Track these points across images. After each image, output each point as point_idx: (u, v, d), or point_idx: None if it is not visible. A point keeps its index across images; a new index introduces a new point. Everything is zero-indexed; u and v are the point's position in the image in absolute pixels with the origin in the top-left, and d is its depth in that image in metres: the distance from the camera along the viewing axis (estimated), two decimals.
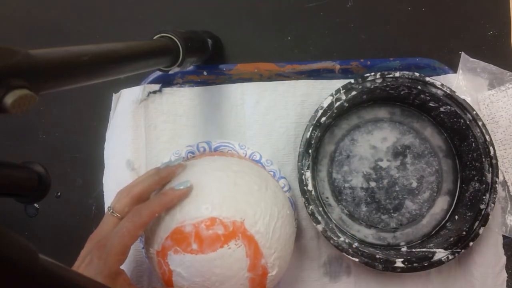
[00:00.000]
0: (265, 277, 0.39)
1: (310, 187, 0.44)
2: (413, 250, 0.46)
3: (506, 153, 0.48)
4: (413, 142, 0.49)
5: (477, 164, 0.45)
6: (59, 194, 0.51)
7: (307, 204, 0.44)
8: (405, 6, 0.51)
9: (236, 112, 0.49)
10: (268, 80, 0.50)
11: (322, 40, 0.51)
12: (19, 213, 0.51)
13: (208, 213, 0.37)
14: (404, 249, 0.47)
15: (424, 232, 0.48)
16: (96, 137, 0.50)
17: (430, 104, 0.47)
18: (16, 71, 0.21)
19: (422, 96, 0.46)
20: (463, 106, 0.45)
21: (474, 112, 0.45)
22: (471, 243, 0.44)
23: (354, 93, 0.46)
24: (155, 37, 0.38)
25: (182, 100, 0.49)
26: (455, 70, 0.49)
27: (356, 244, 0.44)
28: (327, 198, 0.48)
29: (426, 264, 0.43)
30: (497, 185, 0.44)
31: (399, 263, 0.43)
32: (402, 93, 0.47)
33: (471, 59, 0.49)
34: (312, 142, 0.45)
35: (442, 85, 0.45)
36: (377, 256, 0.43)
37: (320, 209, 0.45)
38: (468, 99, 0.47)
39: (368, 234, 0.48)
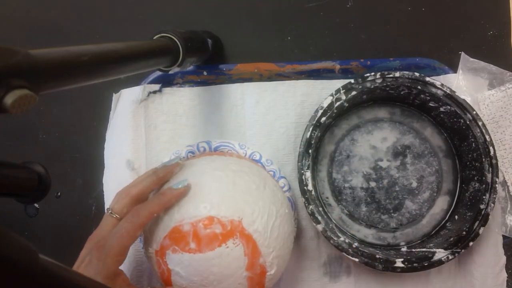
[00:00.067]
0: (264, 276, 0.39)
1: (310, 187, 0.44)
2: (413, 250, 0.46)
3: (506, 153, 0.48)
4: (413, 142, 0.49)
5: (477, 164, 0.45)
6: (59, 194, 0.51)
7: (307, 204, 0.44)
8: (405, 6, 0.51)
9: (236, 112, 0.49)
10: (268, 80, 0.50)
11: (322, 40, 0.51)
12: (19, 213, 0.51)
13: (206, 212, 0.37)
14: (404, 249, 0.47)
15: (424, 232, 0.48)
16: (96, 137, 0.50)
17: (430, 104, 0.47)
18: (16, 71, 0.21)
19: (422, 96, 0.46)
20: (463, 106, 0.45)
21: (474, 112, 0.45)
22: (471, 243, 0.44)
23: (354, 93, 0.46)
24: (155, 37, 0.38)
25: (182, 100, 0.49)
26: (455, 70, 0.49)
27: (356, 244, 0.44)
28: (327, 198, 0.48)
29: (426, 264, 0.43)
30: (497, 185, 0.44)
31: (399, 263, 0.43)
32: (402, 93, 0.47)
33: (471, 59, 0.49)
34: (312, 142, 0.45)
35: (442, 85, 0.45)
36: (377, 256, 0.43)
37: (320, 209, 0.45)
38: (468, 99, 0.48)
39: (368, 234, 0.48)
